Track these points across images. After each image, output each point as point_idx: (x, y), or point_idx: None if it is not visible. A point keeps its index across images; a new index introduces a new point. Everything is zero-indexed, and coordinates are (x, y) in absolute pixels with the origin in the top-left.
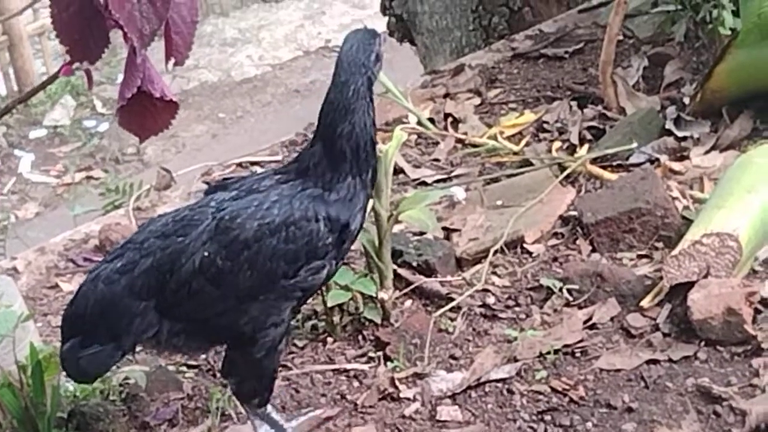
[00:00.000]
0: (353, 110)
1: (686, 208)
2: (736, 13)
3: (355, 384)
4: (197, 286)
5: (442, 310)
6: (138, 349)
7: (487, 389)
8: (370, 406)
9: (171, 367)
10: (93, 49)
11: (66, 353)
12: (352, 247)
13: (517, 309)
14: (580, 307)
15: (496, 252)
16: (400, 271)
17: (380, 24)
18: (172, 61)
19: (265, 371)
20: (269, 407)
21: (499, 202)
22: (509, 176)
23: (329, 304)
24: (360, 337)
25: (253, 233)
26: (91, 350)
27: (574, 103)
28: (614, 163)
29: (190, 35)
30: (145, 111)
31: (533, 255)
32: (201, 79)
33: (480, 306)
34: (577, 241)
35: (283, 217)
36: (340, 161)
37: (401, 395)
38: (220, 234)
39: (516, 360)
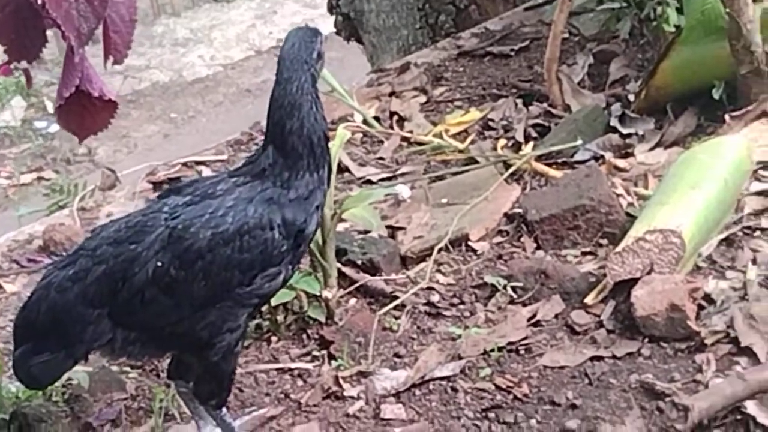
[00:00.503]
0: (299, 106)
1: (630, 204)
2: (680, 10)
3: (299, 383)
4: (150, 295)
5: (386, 309)
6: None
7: (431, 387)
8: (314, 405)
9: (114, 368)
10: (30, 48)
11: (17, 360)
12: None
13: (461, 307)
14: (524, 305)
15: (440, 250)
16: (345, 269)
17: (330, 23)
18: (111, 60)
19: (222, 374)
20: (224, 410)
21: (444, 200)
22: (454, 174)
23: (273, 303)
24: (304, 336)
25: (206, 243)
26: (42, 357)
27: (519, 101)
28: (559, 161)
29: (129, 34)
30: (84, 110)
31: (478, 253)
32: (152, 79)
33: (424, 304)
34: (522, 239)
35: (237, 225)
36: (296, 159)
37: (345, 394)
38: (173, 243)
39: (460, 358)
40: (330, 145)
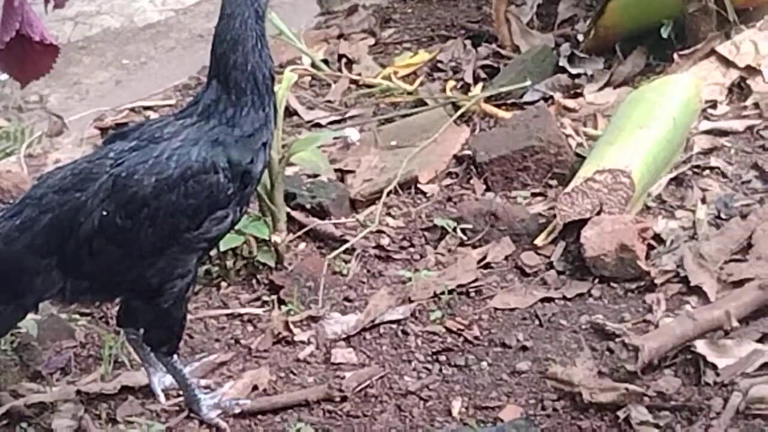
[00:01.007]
0: (243, 40)
1: (580, 145)
2: None
3: (249, 328)
4: (98, 246)
5: (335, 253)
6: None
7: (381, 331)
8: (265, 351)
9: (63, 316)
10: None
11: None
12: None
13: (411, 250)
14: (474, 247)
15: (390, 193)
16: (294, 213)
17: None
18: (52, 4)
19: (174, 320)
20: (175, 356)
21: (393, 143)
22: (403, 117)
23: (222, 249)
24: (254, 281)
25: (151, 190)
26: None
27: (468, 42)
28: (508, 102)
29: None
30: (26, 55)
31: (427, 195)
32: (103, 25)
33: (374, 247)
34: (471, 181)
35: (181, 170)
36: (240, 95)
37: (295, 339)
38: (118, 192)
39: (410, 301)
40: (277, 88)
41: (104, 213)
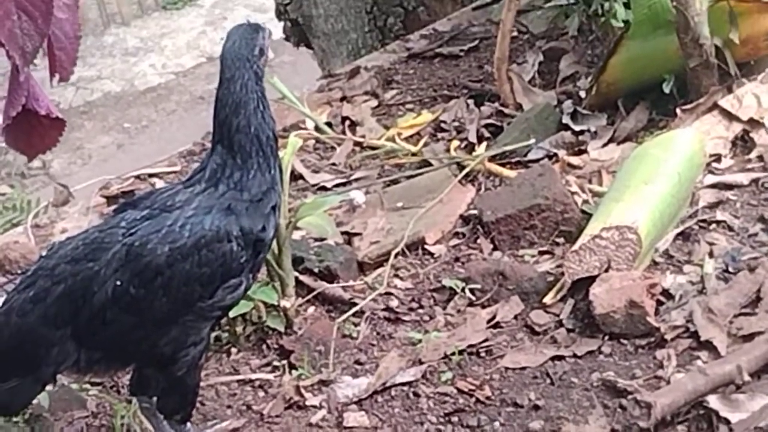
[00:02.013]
0: (245, 104)
1: (586, 202)
2: (627, 5)
3: (261, 394)
4: (112, 315)
5: (345, 316)
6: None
7: (393, 393)
8: (277, 416)
9: (74, 386)
10: None
11: None
12: None
13: (420, 311)
14: (483, 307)
15: (397, 254)
16: (302, 278)
17: (280, 28)
18: (57, 77)
19: (187, 388)
20: (188, 424)
21: (399, 204)
22: (408, 177)
23: (232, 315)
24: (264, 347)
25: (164, 259)
26: (10, 384)
27: (470, 102)
28: (513, 160)
29: (74, 50)
30: (32, 129)
31: (435, 256)
32: (104, 89)
33: (383, 310)
34: (478, 240)
35: (194, 239)
36: (245, 157)
37: (307, 403)
38: (131, 261)
39: (421, 362)
40: (282, 152)
41: (118, 283)
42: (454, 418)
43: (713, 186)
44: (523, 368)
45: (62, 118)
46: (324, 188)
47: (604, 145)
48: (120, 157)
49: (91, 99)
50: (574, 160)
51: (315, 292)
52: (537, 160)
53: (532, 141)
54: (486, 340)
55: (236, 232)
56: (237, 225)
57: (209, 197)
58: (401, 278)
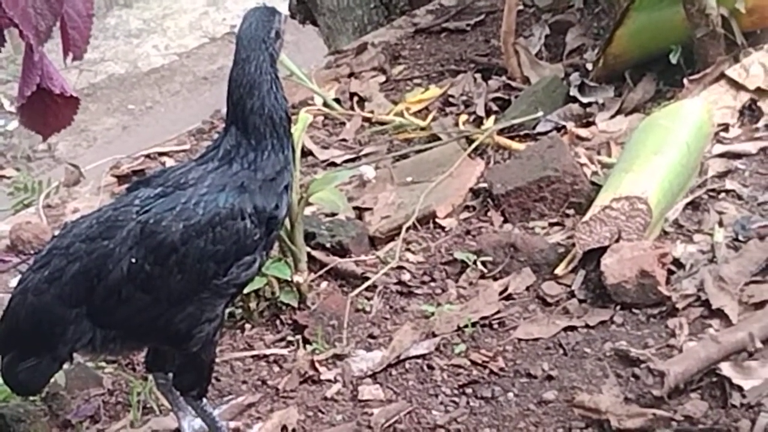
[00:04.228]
0: (259, 85)
1: (595, 173)
2: None
3: (276, 369)
4: (127, 293)
5: (358, 290)
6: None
7: (407, 366)
8: (292, 390)
9: (90, 364)
10: None
11: (5, 369)
12: None
13: (432, 284)
14: (495, 279)
15: (408, 228)
16: (314, 253)
17: (285, 6)
18: (71, 56)
19: (203, 364)
20: (204, 400)
21: (409, 179)
22: (418, 152)
23: (245, 291)
24: (278, 322)
25: (179, 236)
26: (28, 363)
27: (478, 76)
28: (521, 133)
29: (87, 29)
30: (47, 108)
31: (446, 229)
32: (108, 71)
33: (396, 283)
34: (489, 213)
35: (208, 216)
36: (259, 139)
37: (322, 377)
38: (146, 238)
39: (434, 335)
40: (293, 129)
41: (133, 260)
42: (468, 390)
43: (722, 155)
44: (536, 339)
45: (76, 97)
46: (333, 164)
47: (612, 116)
48: (125, 138)
49: (95, 81)
50: (583, 132)
51: (327, 267)
52: (545, 133)
53: (540, 114)
54: (498, 312)
55: (250, 210)
56: (251, 203)
57: (222, 175)
58: (413, 252)
